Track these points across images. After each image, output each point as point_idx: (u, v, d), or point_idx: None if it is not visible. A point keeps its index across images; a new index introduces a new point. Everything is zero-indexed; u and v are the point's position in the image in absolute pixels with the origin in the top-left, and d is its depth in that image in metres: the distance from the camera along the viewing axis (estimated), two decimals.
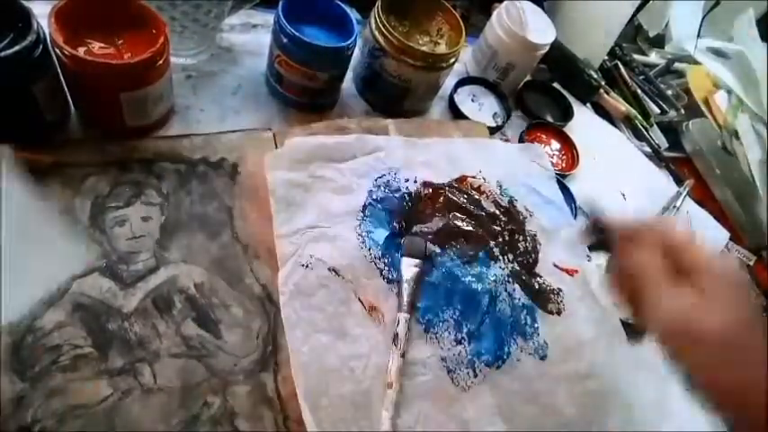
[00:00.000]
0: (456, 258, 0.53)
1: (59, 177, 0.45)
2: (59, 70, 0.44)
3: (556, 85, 0.81)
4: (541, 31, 0.70)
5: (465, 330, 0.49)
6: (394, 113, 0.64)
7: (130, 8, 0.46)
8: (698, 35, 1.00)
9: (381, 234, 0.51)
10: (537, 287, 0.54)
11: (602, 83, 0.82)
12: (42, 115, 0.45)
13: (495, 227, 0.57)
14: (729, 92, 0.95)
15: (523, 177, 0.63)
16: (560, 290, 0.55)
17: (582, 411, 0.49)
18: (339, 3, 0.57)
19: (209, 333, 0.43)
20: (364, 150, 0.56)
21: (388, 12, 0.60)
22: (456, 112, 0.70)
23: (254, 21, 0.67)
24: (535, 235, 0.58)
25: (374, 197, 0.53)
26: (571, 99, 0.80)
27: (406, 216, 0.54)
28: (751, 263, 0.77)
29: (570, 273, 0.57)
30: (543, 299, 0.54)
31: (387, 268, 0.50)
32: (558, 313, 0.54)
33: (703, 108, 0.91)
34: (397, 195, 0.55)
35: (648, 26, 1.01)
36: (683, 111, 0.89)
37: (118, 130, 0.49)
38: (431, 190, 0.56)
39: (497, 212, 0.58)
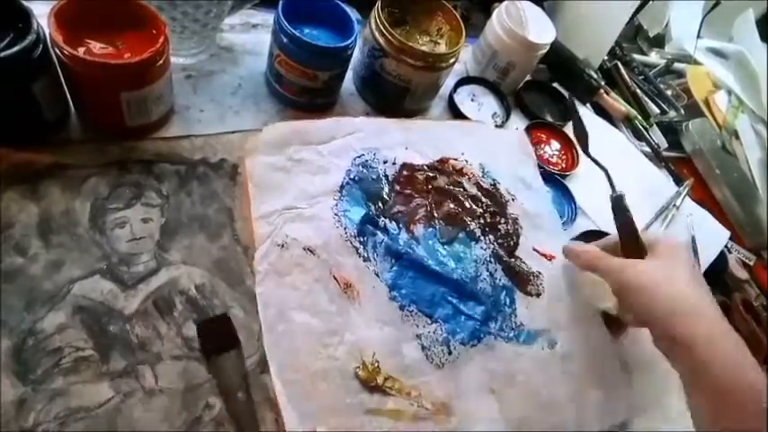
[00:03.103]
0: (435, 238, 0.53)
1: (60, 179, 0.45)
2: (59, 70, 0.44)
3: (555, 84, 0.81)
4: (541, 30, 0.70)
5: (442, 309, 0.50)
6: (394, 113, 0.64)
7: (130, 8, 0.46)
8: (698, 35, 1.00)
9: (358, 213, 0.52)
10: (517, 269, 0.55)
11: (602, 83, 0.81)
12: (42, 115, 0.45)
13: (477, 208, 0.58)
14: (729, 92, 0.95)
15: (507, 162, 0.63)
16: (540, 273, 0.56)
17: (561, 392, 0.50)
18: (339, 2, 0.57)
19: None
20: (343, 132, 0.56)
21: (387, 12, 0.60)
22: (455, 112, 0.69)
23: (254, 20, 0.67)
24: (517, 218, 0.59)
25: (352, 176, 0.54)
26: None
27: (383, 196, 0.54)
28: (751, 263, 0.77)
29: (549, 258, 0.58)
30: (523, 281, 0.55)
31: (362, 246, 0.50)
32: (537, 295, 0.55)
33: (703, 108, 0.91)
34: (374, 176, 0.55)
35: (648, 26, 1.01)
36: (682, 111, 0.89)
37: (118, 130, 0.49)
38: (410, 171, 0.57)
39: (479, 194, 0.59)
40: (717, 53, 1.01)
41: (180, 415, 0.39)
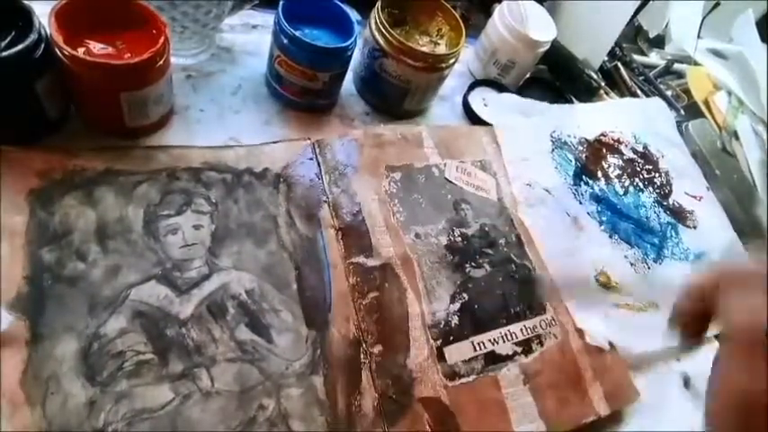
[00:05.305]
0: (615, 190, 0.71)
1: (112, 185, 0.46)
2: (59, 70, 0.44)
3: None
4: (542, 28, 0.70)
5: (634, 239, 0.68)
6: (394, 114, 0.64)
7: (130, 8, 0.46)
8: (698, 36, 1.00)
9: (569, 168, 0.69)
10: (675, 210, 0.74)
11: (602, 83, 0.82)
12: (45, 113, 0.45)
13: (636, 167, 0.76)
14: (729, 93, 0.95)
15: (652, 126, 0.81)
16: (693, 210, 0.75)
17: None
18: (339, 3, 0.58)
19: (262, 337, 0.44)
20: (542, 110, 0.73)
21: (387, 12, 0.60)
22: (470, 114, 0.70)
23: (254, 21, 0.67)
24: (668, 171, 0.77)
25: (554, 142, 0.71)
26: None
27: (581, 158, 0.71)
28: None
29: (697, 198, 0.77)
30: (682, 217, 0.74)
31: (577, 192, 0.67)
32: (694, 227, 0.73)
33: (703, 109, 0.91)
34: (569, 143, 0.72)
35: (648, 27, 1.01)
36: (682, 111, 0.89)
37: (117, 131, 0.49)
38: (590, 143, 0.74)
39: (635, 157, 0.76)
40: (717, 54, 1.01)
41: (235, 416, 0.40)
